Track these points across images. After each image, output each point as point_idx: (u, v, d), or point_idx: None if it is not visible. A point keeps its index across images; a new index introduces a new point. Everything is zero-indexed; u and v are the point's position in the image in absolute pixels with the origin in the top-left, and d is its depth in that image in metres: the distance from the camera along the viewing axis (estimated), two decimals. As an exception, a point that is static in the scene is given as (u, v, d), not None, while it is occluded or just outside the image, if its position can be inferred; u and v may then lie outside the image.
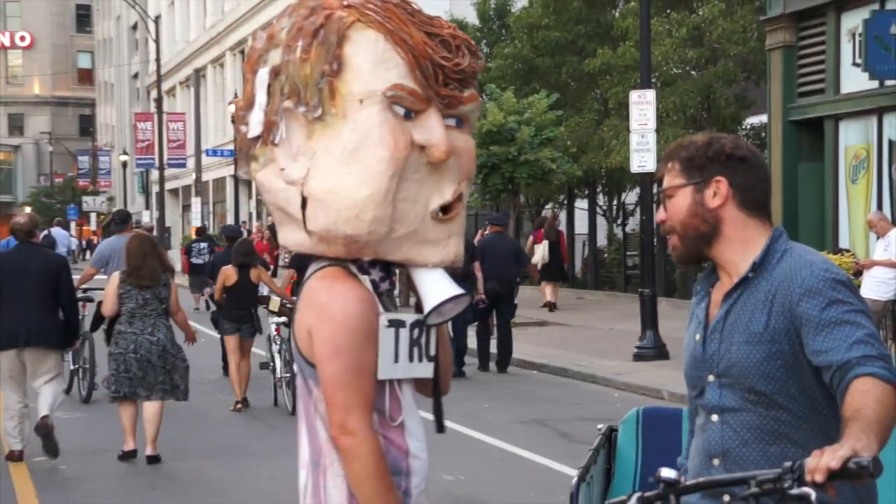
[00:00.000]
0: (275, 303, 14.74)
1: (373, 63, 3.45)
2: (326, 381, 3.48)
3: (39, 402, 11.54)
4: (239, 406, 14.79)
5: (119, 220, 16.73)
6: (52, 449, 11.38)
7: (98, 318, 12.24)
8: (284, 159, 3.54)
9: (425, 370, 3.59)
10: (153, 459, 11.37)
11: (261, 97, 3.58)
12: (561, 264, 29.36)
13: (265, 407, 15.07)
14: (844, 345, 3.40)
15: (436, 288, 3.51)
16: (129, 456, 11.41)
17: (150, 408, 11.40)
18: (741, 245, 3.70)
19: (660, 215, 3.80)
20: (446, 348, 3.74)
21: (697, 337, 3.78)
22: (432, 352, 3.60)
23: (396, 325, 3.51)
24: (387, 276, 3.61)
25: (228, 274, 14.98)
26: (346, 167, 3.46)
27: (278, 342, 15.00)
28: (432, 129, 3.45)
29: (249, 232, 38.37)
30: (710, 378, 3.72)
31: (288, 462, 12.97)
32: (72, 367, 15.44)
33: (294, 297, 14.99)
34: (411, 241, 3.51)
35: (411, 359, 3.53)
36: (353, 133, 3.45)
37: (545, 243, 27.93)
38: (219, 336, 16.19)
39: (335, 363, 3.45)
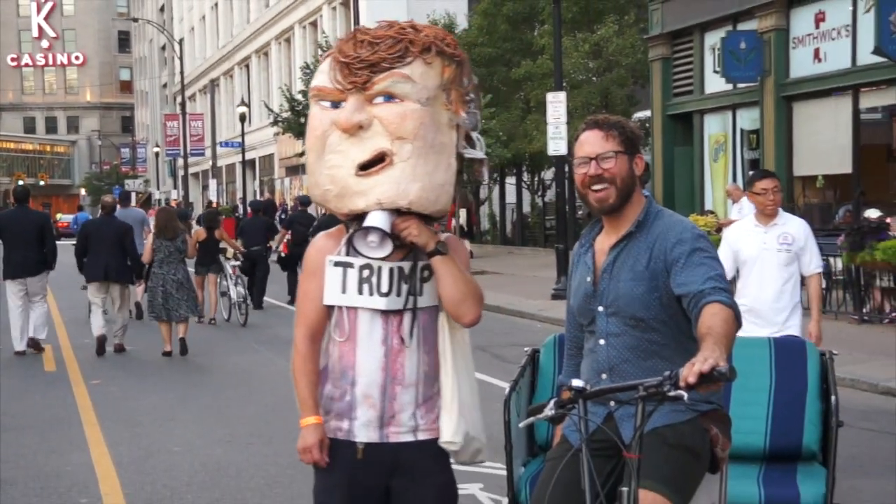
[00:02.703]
0: (230, 252, 17.62)
1: (315, 77, 3.64)
2: None
3: (114, 328, 13.72)
4: (200, 319, 16.70)
5: (124, 198, 19.04)
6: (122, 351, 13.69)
7: (141, 264, 14.14)
8: None
9: (375, 303, 3.52)
10: (182, 348, 13.39)
11: None
12: (471, 226, 32.73)
13: (222, 322, 17.14)
14: (700, 279, 3.48)
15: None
16: (167, 354, 13.28)
17: (180, 324, 13.52)
18: (635, 206, 3.74)
19: (593, 169, 3.68)
20: (450, 283, 3.52)
21: (588, 279, 3.78)
22: (384, 289, 3.52)
23: (343, 265, 3.55)
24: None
25: (200, 233, 16.86)
26: None
27: (233, 278, 17.04)
28: (341, 112, 3.47)
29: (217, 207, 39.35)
30: (600, 309, 3.73)
31: (232, 351, 13.51)
32: None
33: (241, 248, 18.13)
34: (347, 196, 3.50)
35: (360, 292, 3.53)
36: None
37: (464, 210, 30.38)
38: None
39: (297, 290, 3.73)
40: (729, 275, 6.92)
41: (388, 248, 3.46)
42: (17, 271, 13.41)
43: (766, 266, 6.86)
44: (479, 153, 3.73)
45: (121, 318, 13.86)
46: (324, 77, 3.52)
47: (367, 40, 3.47)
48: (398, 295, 3.53)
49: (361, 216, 3.50)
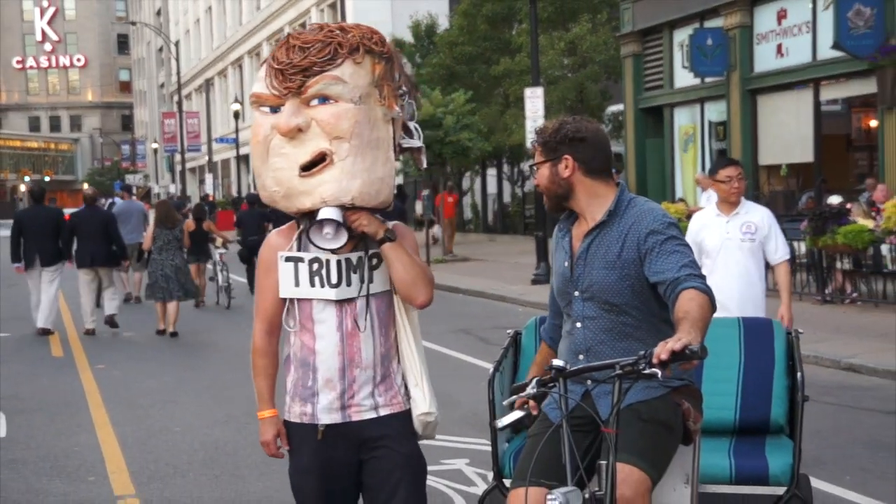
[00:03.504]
0: (218, 241, 17.97)
1: (254, 84, 3.60)
2: None
3: (105, 306, 14.57)
4: (196, 304, 17.31)
5: (125, 191, 19.53)
6: (115, 326, 14.43)
7: (141, 251, 15.24)
8: None
9: (326, 294, 3.52)
10: (174, 335, 13.85)
11: None
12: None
13: (214, 306, 17.57)
14: (675, 267, 3.48)
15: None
16: (161, 332, 14.01)
17: (172, 306, 14.04)
18: (590, 199, 3.73)
19: (535, 181, 3.82)
20: (400, 268, 3.49)
21: (566, 264, 3.78)
22: (333, 280, 3.51)
23: (294, 260, 3.53)
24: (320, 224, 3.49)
25: (190, 224, 17.04)
26: None
27: (220, 264, 17.62)
28: (279, 116, 3.43)
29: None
30: (576, 293, 3.73)
31: (225, 333, 13.67)
32: None
33: (228, 237, 18.60)
34: (293, 196, 3.47)
35: (312, 285, 3.52)
36: None
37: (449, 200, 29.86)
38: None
39: (255, 285, 3.70)
40: None
41: (343, 238, 3.44)
42: (35, 262, 14.13)
43: (730, 256, 6.56)
44: (416, 142, 3.69)
45: (111, 294, 14.53)
46: (261, 84, 3.50)
47: (297, 45, 3.44)
48: (348, 285, 3.52)
49: (311, 213, 3.48)
